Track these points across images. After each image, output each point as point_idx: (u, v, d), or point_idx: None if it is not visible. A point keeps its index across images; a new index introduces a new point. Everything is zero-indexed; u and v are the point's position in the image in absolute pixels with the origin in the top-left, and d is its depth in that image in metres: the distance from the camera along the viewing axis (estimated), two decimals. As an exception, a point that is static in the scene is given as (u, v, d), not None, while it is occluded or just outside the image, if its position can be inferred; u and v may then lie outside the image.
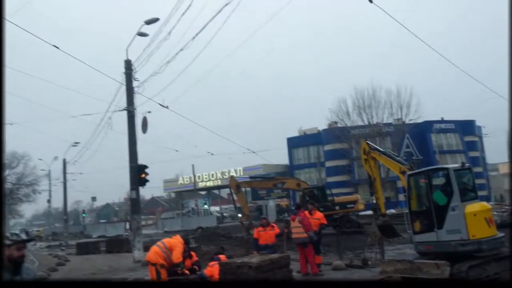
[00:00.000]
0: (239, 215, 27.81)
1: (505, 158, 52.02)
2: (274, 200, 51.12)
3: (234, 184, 26.95)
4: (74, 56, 25.64)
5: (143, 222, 27.57)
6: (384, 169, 32.85)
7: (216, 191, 79.49)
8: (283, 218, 37.02)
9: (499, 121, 69.40)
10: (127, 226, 40.76)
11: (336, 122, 55.83)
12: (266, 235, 12.50)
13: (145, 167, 19.02)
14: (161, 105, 19.36)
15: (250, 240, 18.81)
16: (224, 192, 73.98)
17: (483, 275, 9.17)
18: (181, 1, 14.38)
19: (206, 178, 69.38)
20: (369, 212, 23.95)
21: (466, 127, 58.95)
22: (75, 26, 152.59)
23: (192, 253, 10.89)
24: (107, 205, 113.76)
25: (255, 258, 8.40)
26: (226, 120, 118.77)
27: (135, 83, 19.19)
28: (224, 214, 63.24)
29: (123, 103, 19.28)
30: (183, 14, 14.55)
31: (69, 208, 54.92)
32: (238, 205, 28.56)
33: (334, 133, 54.38)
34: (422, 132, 54.84)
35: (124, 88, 19.29)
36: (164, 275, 9.58)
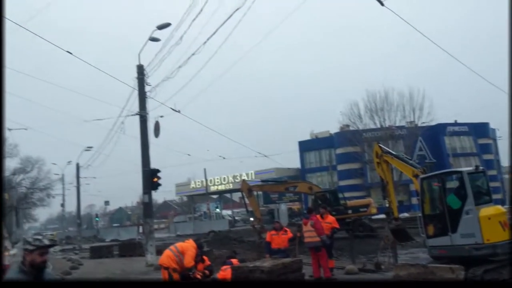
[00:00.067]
0: (251, 219, 27.79)
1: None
2: (286, 204, 51.05)
3: (246, 188, 26.96)
4: (88, 62, 25.88)
5: (155, 226, 27.72)
6: (397, 172, 32.57)
7: (228, 195, 79.54)
8: (295, 222, 36.93)
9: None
10: (140, 229, 40.94)
11: (348, 125, 55.56)
12: (279, 239, 12.43)
13: (158, 171, 19.09)
14: (173, 109, 19.47)
15: (262, 244, 18.79)
16: (236, 196, 74.02)
17: (500, 280, 9.05)
18: (193, 6, 14.46)
19: (218, 181, 69.48)
20: (382, 216, 23.84)
21: (480, 130, 58.31)
22: (90, 30, 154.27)
23: (205, 257, 10.90)
24: (120, 209, 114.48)
25: (267, 262, 8.40)
26: (237, 124, 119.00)
27: (147, 88, 19.33)
28: (236, 218, 63.24)
29: (136, 107, 19.42)
30: (194, 19, 14.63)
31: (82, 212, 55.31)
32: (250, 208, 28.56)
33: (346, 136, 54.11)
34: (435, 134, 54.35)
35: (136, 92, 19.43)
36: (176, 279, 9.60)
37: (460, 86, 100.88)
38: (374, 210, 27.39)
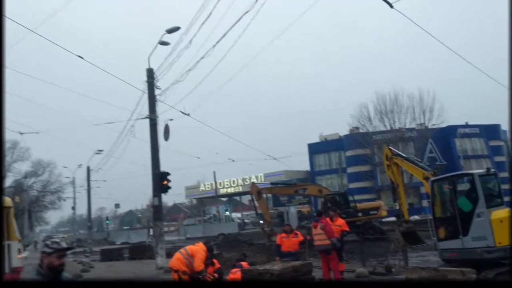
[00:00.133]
0: (261, 221, 27.77)
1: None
2: (296, 207, 50.93)
3: (255, 191, 26.96)
4: (99, 66, 26.10)
5: (165, 229, 27.77)
6: (407, 174, 32.40)
7: (237, 198, 79.61)
8: (304, 225, 36.85)
9: (526, 125, 67.56)
10: (151, 232, 41.09)
11: (357, 128, 55.36)
12: (289, 242, 12.40)
13: (167, 174, 19.16)
14: (182, 112, 19.56)
15: (271, 246, 18.75)
16: (246, 199, 74.02)
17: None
18: (202, 10, 14.52)
19: (227, 184, 69.57)
20: (392, 219, 23.65)
21: (491, 132, 57.76)
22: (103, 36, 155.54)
23: (214, 260, 10.92)
24: (130, 211, 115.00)
25: (277, 265, 8.39)
26: (247, 127, 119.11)
27: (157, 91, 19.43)
28: (246, 221, 63.25)
29: (146, 111, 19.54)
30: (203, 23, 14.69)
31: (93, 215, 55.85)
32: (259, 211, 28.55)
33: (356, 138, 53.94)
34: (445, 137, 53.99)
35: (146, 96, 19.54)
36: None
37: (470, 87, 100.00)
38: (384, 213, 27.25)
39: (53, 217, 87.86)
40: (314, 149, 63.80)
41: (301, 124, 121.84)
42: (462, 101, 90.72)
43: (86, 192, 44.44)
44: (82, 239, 56.18)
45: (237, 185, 68.43)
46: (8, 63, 15.68)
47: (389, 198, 33.50)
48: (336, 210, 13.94)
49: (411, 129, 51.76)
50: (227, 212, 72.75)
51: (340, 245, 12.04)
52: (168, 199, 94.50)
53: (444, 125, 52.10)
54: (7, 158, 54.85)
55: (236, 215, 72.52)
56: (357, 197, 31.91)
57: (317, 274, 10.59)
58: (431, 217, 11.63)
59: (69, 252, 4.44)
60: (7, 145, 53.90)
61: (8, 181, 56.50)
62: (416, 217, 35.44)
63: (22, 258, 13.03)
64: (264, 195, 29.03)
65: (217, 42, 15.45)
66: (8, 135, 51.73)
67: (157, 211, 20.06)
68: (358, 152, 55.22)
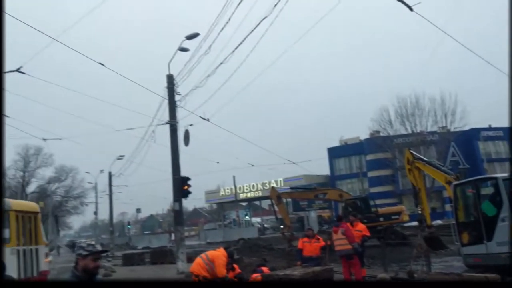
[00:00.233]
0: (281, 226, 27.73)
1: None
2: (316, 211, 50.67)
3: (275, 195, 26.94)
4: (119, 73, 26.47)
5: (186, 233, 27.94)
6: (429, 178, 31.98)
7: (257, 202, 79.61)
8: (325, 230, 36.68)
9: (552, 127, 66.02)
10: (172, 237, 41.33)
11: (378, 131, 54.89)
12: (310, 247, 12.33)
13: (188, 179, 19.28)
14: (202, 118, 19.68)
15: (292, 251, 18.71)
16: (265, 203, 74.02)
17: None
18: (221, 16, 14.63)
19: (247, 189, 69.67)
20: (414, 223, 23.39)
21: (516, 134, 56.61)
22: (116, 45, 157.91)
23: (235, 265, 10.94)
24: (151, 216, 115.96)
25: (297, 271, 8.37)
26: (266, 131, 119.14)
27: (177, 97, 19.61)
28: (265, 226, 63.14)
29: (166, 116, 19.72)
30: (222, 29, 14.79)
31: (115, 220, 56.27)
32: (279, 216, 28.52)
33: (377, 142, 53.42)
34: (468, 140, 53.12)
35: (166, 102, 19.73)
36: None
37: (494, 89, 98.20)
38: (406, 218, 26.91)
39: (76, 222, 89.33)
40: (334, 153, 63.46)
41: (320, 128, 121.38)
42: (485, 103, 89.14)
43: (108, 197, 44.87)
44: (104, 243, 56.88)
45: (257, 190, 68.47)
46: (32, 71, 16.06)
47: (411, 203, 33.23)
48: (357, 215, 13.82)
49: (432, 133, 51.05)
50: (247, 217, 72.81)
51: (361, 250, 11.94)
52: (188, 203, 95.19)
53: (466, 128, 51.28)
54: (31, 164, 56.09)
55: (256, 219, 72.53)
56: (378, 202, 31.62)
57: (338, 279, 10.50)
58: (454, 222, 11.46)
59: (104, 255, 4.49)
60: (31, 151, 55.16)
61: (32, 187, 57.79)
62: (439, 221, 34.95)
63: (48, 263, 13.29)
64: (284, 200, 28.98)
65: (235, 48, 15.53)
66: (32, 142, 52.99)
67: (178, 216, 20.17)
68: (379, 156, 54.71)
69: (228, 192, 70.75)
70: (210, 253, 10.16)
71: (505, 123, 56.20)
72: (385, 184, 55.19)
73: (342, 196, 27.94)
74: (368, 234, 12.71)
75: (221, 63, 16.50)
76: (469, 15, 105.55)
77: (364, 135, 59.61)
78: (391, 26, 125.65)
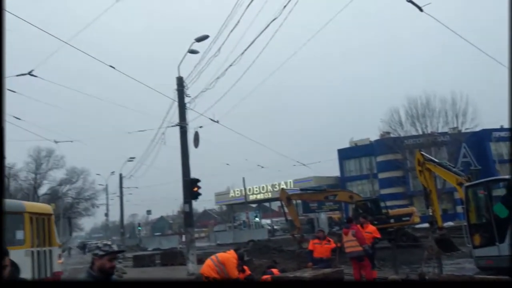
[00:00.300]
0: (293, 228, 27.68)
1: None
2: (326, 213, 50.51)
3: (285, 197, 26.90)
4: (129, 75, 26.68)
5: (196, 235, 28.00)
6: (440, 180, 31.72)
7: (267, 204, 79.53)
8: (335, 232, 36.54)
9: None
10: (182, 238, 41.46)
11: (388, 132, 54.55)
12: (321, 249, 12.31)
13: (198, 180, 19.36)
14: (211, 119, 19.77)
15: (302, 253, 18.67)
16: (275, 205, 73.93)
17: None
18: (230, 18, 14.68)
19: (256, 191, 69.65)
20: (426, 225, 23.18)
21: (528, 135, 56.02)
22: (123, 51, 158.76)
23: (245, 267, 10.95)
24: (162, 218, 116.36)
25: (308, 273, 8.36)
26: (276, 133, 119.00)
27: (187, 99, 19.72)
28: (275, 227, 63.02)
29: (176, 118, 19.83)
30: (232, 31, 14.85)
31: (125, 221, 56.78)
32: (289, 217, 28.46)
33: (387, 143, 53.11)
34: (480, 140, 52.60)
35: (176, 104, 19.84)
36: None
37: (505, 88, 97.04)
38: (417, 219, 26.72)
39: (87, 223, 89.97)
40: (344, 155, 63.25)
41: (330, 130, 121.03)
42: (497, 104, 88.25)
43: (119, 199, 45.28)
44: (115, 245, 57.16)
45: (267, 191, 68.42)
46: (45, 74, 16.24)
47: (422, 204, 32.84)
48: (367, 217, 13.79)
49: (443, 133, 50.63)
50: (257, 219, 72.79)
51: (371, 252, 11.90)
52: (198, 205, 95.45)
53: (478, 128, 50.79)
54: (43, 166, 56.63)
55: (266, 221, 72.45)
56: (389, 203, 31.42)
57: (349, 281, 10.47)
58: (466, 224, 11.38)
59: (120, 255, 4.54)
60: (42, 153, 55.70)
61: (44, 189, 58.34)
62: (450, 223, 34.62)
63: (61, 264, 13.43)
64: (294, 201, 28.92)
65: (244, 50, 15.60)
66: (44, 144, 53.50)
67: (188, 217, 20.24)
68: (389, 157, 54.41)
69: (238, 193, 70.81)
70: (221, 255, 10.19)
71: (517, 124, 55.91)
72: (396, 185, 54.86)
73: (352, 198, 27.82)
74: (378, 236, 12.67)
75: (231, 65, 16.58)
76: (481, 14, 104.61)
77: (374, 136, 59.43)
78: (402, 26, 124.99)
